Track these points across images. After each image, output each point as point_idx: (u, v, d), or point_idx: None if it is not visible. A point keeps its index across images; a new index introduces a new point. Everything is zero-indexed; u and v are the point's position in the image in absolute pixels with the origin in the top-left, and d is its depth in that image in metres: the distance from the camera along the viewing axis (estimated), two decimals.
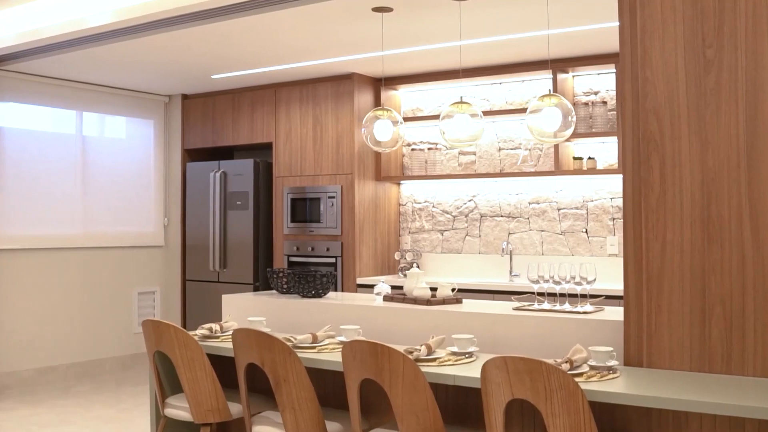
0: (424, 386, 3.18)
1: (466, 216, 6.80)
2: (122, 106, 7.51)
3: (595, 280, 4.17)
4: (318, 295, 4.87)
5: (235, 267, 7.15)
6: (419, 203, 7.04)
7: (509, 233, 6.60)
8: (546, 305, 4.24)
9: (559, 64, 6.12)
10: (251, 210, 7.06)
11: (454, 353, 3.68)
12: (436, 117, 6.64)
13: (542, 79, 6.42)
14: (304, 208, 6.89)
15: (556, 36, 5.45)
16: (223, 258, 7.21)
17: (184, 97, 7.78)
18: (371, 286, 6.48)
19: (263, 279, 7.10)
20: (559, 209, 6.39)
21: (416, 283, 4.67)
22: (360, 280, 6.66)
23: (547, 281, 4.29)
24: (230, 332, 4.28)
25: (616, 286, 5.71)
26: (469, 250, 6.78)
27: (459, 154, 6.85)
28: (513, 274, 6.44)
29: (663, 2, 3.47)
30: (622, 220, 5.99)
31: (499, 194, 6.66)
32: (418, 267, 4.93)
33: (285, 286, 5.02)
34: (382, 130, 4.95)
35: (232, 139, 7.38)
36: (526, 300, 4.44)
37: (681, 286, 3.40)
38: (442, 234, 6.92)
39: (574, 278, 4.22)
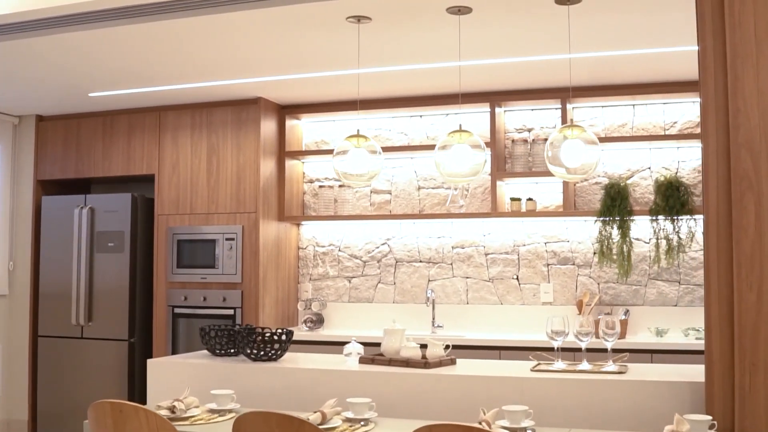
0: None
1: (379, 261, 6.13)
2: None
3: (617, 333, 3.70)
4: (273, 358, 4.00)
5: (104, 320, 5.99)
6: (323, 247, 6.28)
7: (429, 280, 6.01)
8: (561, 364, 3.70)
9: (493, 97, 5.68)
10: (127, 253, 5.95)
11: (348, 419, 3.18)
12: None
13: (468, 113, 5.95)
14: (195, 252, 5.91)
15: (490, 66, 5.02)
16: (88, 309, 6.02)
17: (39, 118, 6.49)
18: None
19: (141, 334, 5.99)
20: (486, 254, 5.89)
21: (400, 342, 3.96)
22: None
23: (559, 335, 3.77)
24: (198, 413, 3.34)
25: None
26: (382, 299, 6.11)
27: (371, 192, 6.19)
28: (436, 325, 5.84)
29: (758, 24, 3.08)
30: (558, 266, 5.66)
31: (417, 237, 6.06)
32: (396, 322, 4.21)
33: (220, 347, 4.11)
34: (357, 161, 4.20)
35: (102, 170, 6.23)
36: (540, 359, 3.86)
37: None
38: (349, 281, 6.19)
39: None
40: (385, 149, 5.94)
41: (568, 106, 5.58)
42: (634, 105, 5.63)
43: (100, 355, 5.96)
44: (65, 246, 6.12)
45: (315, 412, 3.19)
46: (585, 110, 5.67)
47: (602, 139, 5.45)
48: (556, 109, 5.75)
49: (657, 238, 5.37)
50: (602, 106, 5.67)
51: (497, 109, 5.72)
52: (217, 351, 4.15)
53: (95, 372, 5.97)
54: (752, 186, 3.05)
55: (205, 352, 4.30)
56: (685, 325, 5.34)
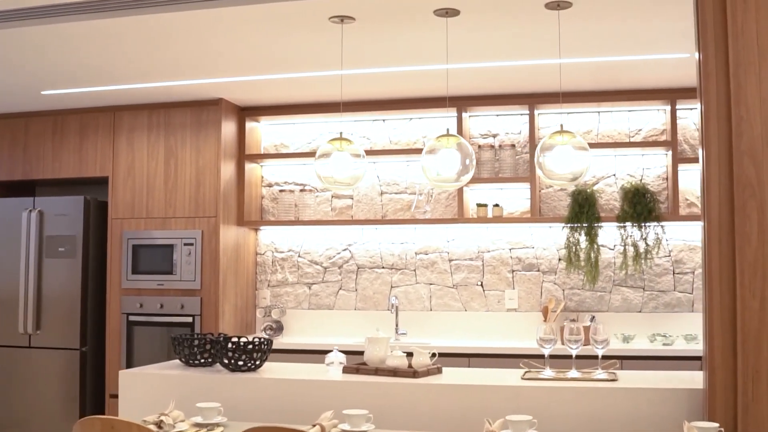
0: None
1: (340, 267, 6.02)
2: None
3: (607, 340, 3.68)
4: (252, 369, 3.85)
5: (53, 328, 5.70)
6: (282, 252, 6.13)
7: (392, 287, 5.92)
8: (550, 372, 3.66)
9: (460, 102, 5.64)
10: (79, 258, 5.68)
11: None
12: (305, 155, 5.91)
13: (433, 118, 5.90)
14: (152, 257, 5.69)
15: (455, 71, 4.95)
16: (36, 317, 5.72)
17: None
18: None
19: (93, 343, 5.73)
20: (450, 260, 5.84)
21: (384, 350, 3.86)
22: None
23: (548, 342, 3.74)
24: (186, 428, 3.17)
25: (520, 344, 5.30)
26: (344, 305, 5.99)
27: (332, 197, 6.07)
28: (400, 332, 5.76)
29: (760, 33, 3.09)
30: (523, 272, 5.64)
31: (380, 243, 5.97)
32: (380, 330, 4.10)
33: (195, 357, 3.94)
34: (340, 165, 4.08)
35: (51, 172, 5.94)
36: (529, 366, 3.81)
37: None
38: (309, 288, 6.06)
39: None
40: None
41: (535, 112, 5.59)
42: (599, 112, 5.67)
43: (49, 365, 5.67)
44: (12, 251, 5.81)
45: (314, 425, 3.07)
46: (550, 116, 5.68)
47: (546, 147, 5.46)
48: (522, 115, 5.75)
49: (624, 245, 5.41)
50: (568, 113, 5.70)
51: (463, 114, 5.68)
52: (192, 361, 3.97)
53: (44, 383, 5.68)
54: (755, 194, 3.06)
55: (177, 362, 4.12)
56: (649, 331, 5.39)
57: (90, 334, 5.72)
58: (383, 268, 5.96)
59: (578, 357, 3.67)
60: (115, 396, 5.60)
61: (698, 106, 3.23)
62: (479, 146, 5.71)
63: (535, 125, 5.56)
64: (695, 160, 5.37)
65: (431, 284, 5.87)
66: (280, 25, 4.20)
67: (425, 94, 5.64)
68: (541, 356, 3.73)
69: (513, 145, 5.69)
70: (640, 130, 5.60)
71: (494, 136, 5.81)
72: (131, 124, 5.84)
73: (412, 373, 3.68)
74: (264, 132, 6.22)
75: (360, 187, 6.02)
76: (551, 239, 5.68)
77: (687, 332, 5.34)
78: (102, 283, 5.81)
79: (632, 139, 5.59)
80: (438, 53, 4.50)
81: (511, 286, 5.75)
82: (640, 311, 5.52)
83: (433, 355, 3.84)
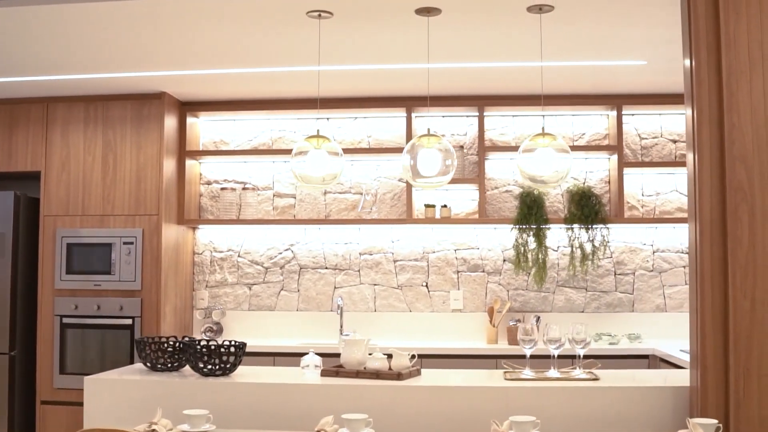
0: None
1: (282, 268, 5.89)
2: None
3: (589, 342, 3.73)
4: (225, 373, 3.71)
5: None
6: (221, 252, 5.95)
7: (335, 287, 5.85)
8: (529, 372, 3.68)
9: (410, 103, 5.62)
10: (8, 257, 5.34)
11: None
12: (246, 152, 5.78)
13: (383, 118, 5.86)
14: (88, 257, 5.41)
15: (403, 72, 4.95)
16: None
17: None
18: None
19: (23, 347, 5.40)
20: (395, 261, 5.82)
21: (363, 352, 3.79)
22: None
23: (529, 343, 3.75)
24: None
25: (467, 344, 5.35)
26: (285, 306, 5.87)
27: (274, 196, 5.94)
28: (344, 334, 5.68)
29: (751, 44, 3.21)
30: (468, 273, 5.67)
31: (323, 243, 5.88)
32: (356, 332, 4.03)
33: (169, 361, 3.77)
34: (317, 163, 3.98)
35: None
36: (508, 367, 3.82)
37: None
38: (250, 288, 5.91)
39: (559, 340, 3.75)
40: (289, 152, 5.71)
41: (483, 114, 5.63)
42: (543, 116, 5.74)
43: None
44: None
45: (317, 431, 2.98)
46: (497, 119, 5.74)
47: (513, 148, 5.54)
48: (468, 116, 5.78)
49: (572, 247, 5.52)
50: (513, 116, 5.77)
51: (412, 114, 5.66)
52: (159, 366, 3.79)
53: None
54: (746, 198, 3.17)
55: (139, 366, 3.93)
56: (593, 331, 5.51)
57: (20, 338, 5.38)
58: (326, 268, 5.87)
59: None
60: (48, 403, 5.34)
61: (687, 111, 3.33)
62: None
63: (482, 127, 5.61)
64: (638, 164, 5.55)
65: (376, 285, 5.83)
66: (225, 18, 4.05)
67: (374, 94, 5.59)
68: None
69: (462, 147, 5.72)
70: (583, 134, 5.74)
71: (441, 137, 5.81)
72: (66, 117, 5.54)
73: (396, 375, 3.62)
74: (203, 128, 6.02)
75: (302, 186, 5.91)
76: (496, 240, 5.74)
77: (629, 331, 5.50)
78: (33, 284, 5.47)
79: (576, 143, 5.72)
80: (399, 54, 4.47)
81: (456, 287, 5.77)
82: (582, 311, 5.65)
83: (413, 356, 3.80)
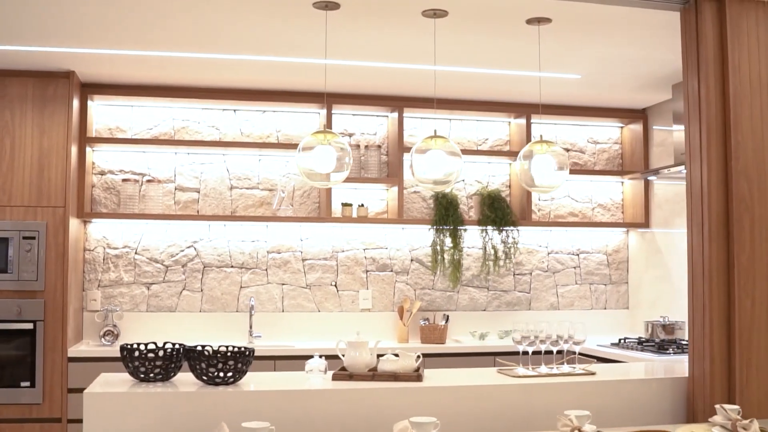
0: None
1: (184, 266, 5.57)
2: None
3: (584, 340, 3.97)
4: (235, 381, 3.50)
5: None
6: (116, 249, 5.50)
7: (241, 287, 5.63)
8: (522, 369, 3.85)
9: (329, 99, 5.55)
10: None
11: None
12: (146, 141, 5.48)
13: (296, 113, 5.73)
14: None
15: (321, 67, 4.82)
16: None
17: None
18: (86, 360, 4.84)
19: None
20: (304, 260, 5.72)
21: (368, 354, 3.73)
22: (72, 352, 4.88)
23: (529, 341, 3.89)
24: None
25: (380, 344, 5.37)
26: (188, 307, 5.56)
27: (176, 190, 5.60)
28: (254, 335, 5.50)
29: (751, 71, 3.62)
30: (377, 273, 5.72)
31: (228, 241, 5.64)
32: (360, 334, 3.92)
33: (156, 370, 3.46)
34: (324, 159, 3.83)
35: None
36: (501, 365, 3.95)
37: None
38: (148, 288, 5.52)
39: (550, 337, 3.95)
40: (194, 143, 5.47)
41: (392, 115, 5.70)
42: (450, 119, 5.96)
43: None
44: None
45: None
46: (408, 120, 5.82)
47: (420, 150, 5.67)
48: (378, 116, 5.83)
49: (485, 248, 5.75)
50: (421, 118, 5.89)
51: (324, 111, 5.60)
52: (152, 376, 3.47)
53: None
54: (749, 208, 3.57)
55: (124, 377, 3.56)
56: (497, 328, 5.79)
57: None
58: (232, 267, 5.64)
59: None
60: None
61: (692, 128, 3.66)
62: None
63: (391, 128, 5.68)
64: None
65: (284, 284, 5.69)
66: None
67: (286, 88, 5.46)
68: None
69: (379, 146, 5.75)
70: (487, 139, 6.00)
71: (350, 135, 5.81)
72: None
73: (416, 376, 3.62)
74: (96, 113, 5.52)
75: (207, 180, 5.64)
76: (404, 240, 5.84)
77: (528, 329, 5.82)
78: None
79: (479, 147, 5.96)
80: (315, 49, 4.43)
81: (365, 287, 5.79)
82: (485, 310, 5.91)
83: (418, 357, 3.80)
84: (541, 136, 4.08)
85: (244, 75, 5.14)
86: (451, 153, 4.04)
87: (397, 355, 3.75)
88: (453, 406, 3.47)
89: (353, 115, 5.81)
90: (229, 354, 3.45)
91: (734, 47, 3.60)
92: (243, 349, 3.48)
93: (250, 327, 5.49)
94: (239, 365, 3.46)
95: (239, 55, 4.68)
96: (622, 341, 5.24)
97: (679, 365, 4.07)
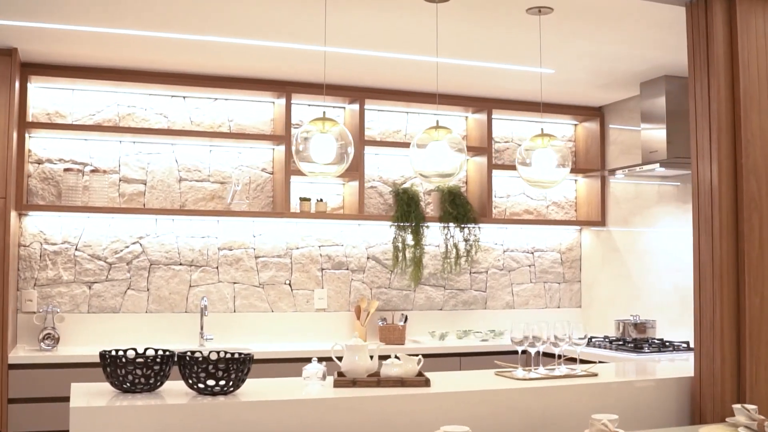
0: None
1: (129, 263, 5.17)
2: None
3: (585, 340, 3.87)
4: (232, 390, 3.20)
5: None
6: (54, 245, 5.04)
7: (191, 286, 5.28)
8: (521, 372, 3.73)
9: (290, 88, 5.28)
10: None
11: None
12: (89, 128, 5.10)
13: (252, 101, 5.42)
14: None
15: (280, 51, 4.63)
16: None
17: None
18: (27, 368, 4.40)
19: None
20: (257, 257, 5.42)
21: (368, 358, 3.51)
22: (13, 358, 4.42)
23: (528, 341, 3.76)
24: None
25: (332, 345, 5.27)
26: (133, 308, 5.16)
27: (120, 181, 5.19)
28: (206, 337, 5.17)
29: (760, 69, 3.60)
30: (333, 271, 5.48)
31: (177, 237, 5.27)
32: (356, 336, 3.67)
33: (144, 379, 3.13)
34: (323, 148, 3.57)
35: None
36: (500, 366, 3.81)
37: None
38: (90, 287, 5.09)
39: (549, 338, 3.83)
40: (140, 131, 5.10)
41: (351, 107, 5.48)
42: (408, 113, 5.77)
43: None
44: None
45: None
46: (367, 113, 5.60)
47: (376, 143, 5.49)
48: (337, 107, 5.59)
49: (446, 245, 5.60)
50: (379, 110, 5.69)
51: (280, 101, 5.32)
52: (140, 386, 3.14)
53: None
54: (758, 207, 3.56)
55: (106, 387, 3.21)
56: (454, 328, 5.65)
57: None
58: (181, 264, 5.27)
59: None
60: None
61: (700, 125, 3.62)
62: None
63: (364, 120, 5.45)
64: (503, 167, 5.77)
65: (236, 283, 5.37)
66: None
67: (246, 74, 5.16)
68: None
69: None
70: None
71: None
72: None
73: (424, 381, 3.42)
74: (34, 96, 5.04)
75: (154, 172, 5.25)
76: (360, 237, 5.62)
77: (486, 328, 5.73)
78: None
79: None
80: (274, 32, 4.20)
81: (321, 285, 5.54)
82: (441, 309, 5.76)
83: (420, 360, 3.61)
84: (542, 129, 3.95)
85: (194, 58, 4.79)
86: (456, 145, 3.85)
87: (398, 358, 3.56)
88: (462, 411, 3.29)
89: (309, 105, 5.54)
90: (228, 359, 3.15)
91: (744, 45, 3.57)
92: (243, 355, 3.19)
93: (201, 328, 5.15)
94: (240, 374, 3.17)
95: (190, 35, 4.33)
96: (590, 341, 5.20)
97: (678, 365, 4.05)
